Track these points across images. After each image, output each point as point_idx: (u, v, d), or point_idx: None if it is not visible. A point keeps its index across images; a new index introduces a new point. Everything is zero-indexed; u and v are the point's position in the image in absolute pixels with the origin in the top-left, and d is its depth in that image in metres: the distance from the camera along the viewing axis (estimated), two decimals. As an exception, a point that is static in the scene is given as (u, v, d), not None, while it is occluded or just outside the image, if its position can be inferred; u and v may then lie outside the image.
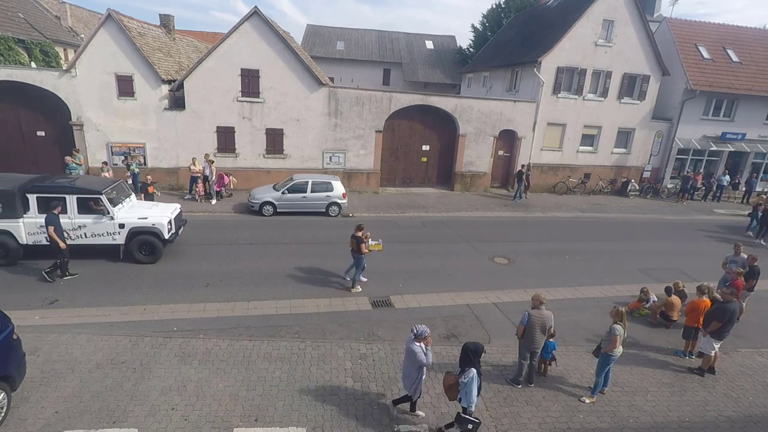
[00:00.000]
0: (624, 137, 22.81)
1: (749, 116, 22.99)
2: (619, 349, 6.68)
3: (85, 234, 10.57)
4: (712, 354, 7.71)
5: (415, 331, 5.85)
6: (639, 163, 23.25)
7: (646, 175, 23.30)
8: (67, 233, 10.24)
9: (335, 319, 9.00)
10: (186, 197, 17.09)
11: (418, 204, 18.70)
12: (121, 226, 10.81)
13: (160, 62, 18.14)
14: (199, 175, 16.82)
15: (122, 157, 17.61)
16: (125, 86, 17.05)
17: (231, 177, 17.95)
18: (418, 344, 5.83)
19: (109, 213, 10.63)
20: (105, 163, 17.04)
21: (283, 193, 15.68)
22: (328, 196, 15.99)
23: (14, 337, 6.05)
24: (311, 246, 13.00)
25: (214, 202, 16.87)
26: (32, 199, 10.22)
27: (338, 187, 16.14)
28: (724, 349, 7.99)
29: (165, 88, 17.47)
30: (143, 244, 10.98)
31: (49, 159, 16.97)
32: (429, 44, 37.22)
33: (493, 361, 7.77)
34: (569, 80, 21.17)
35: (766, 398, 7.33)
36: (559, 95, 21.12)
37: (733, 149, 23.20)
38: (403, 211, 17.37)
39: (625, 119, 22.26)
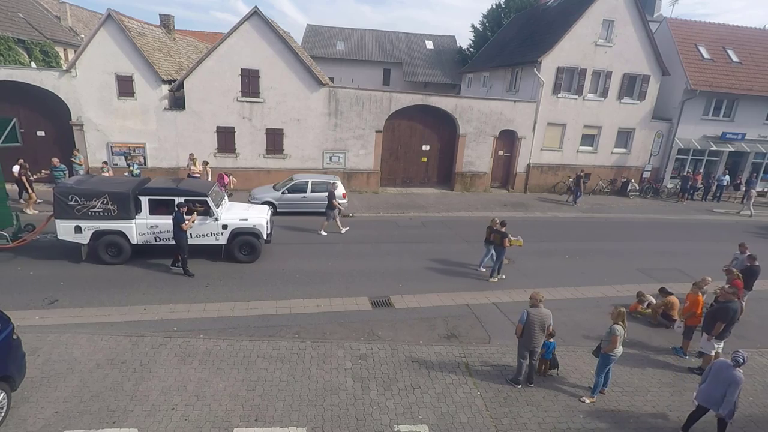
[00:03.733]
0: (624, 137, 22.81)
1: (749, 116, 22.99)
2: (619, 349, 6.68)
3: (190, 234, 10.74)
4: (713, 354, 7.70)
5: (741, 359, 5.72)
6: (639, 163, 23.25)
7: (646, 175, 23.30)
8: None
9: (335, 319, 8.99)
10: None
11: (418, 204, 18.70)
12: (224, 227, 11.17)
13: (160, 62, 18.14)
14: (199, 175, 16.81)
15: (122, 157, 17.63)
16: (125, 86, 17.07)
17: (231, 177, 17.95)
18: (740, 371, 5.72)
19: (213, 215, 10.97)
20: (105, 162, 17.06)
21: (283, 193, 15.68)
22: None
23: (14, 337, 6.05)
24: (311, 246, 13.00)
25: None
26: (144, 201, 10.64)
27: (338, 187, 16.12)
28: (724, 350, 7.97)
29: (165, 88, 17.47)
30: (243, 245, 11.31)
31: (49, 159, 16.96)
32: (429, 44, 37.22)
33: (493, 361, 7.77)
34: (569, 80, 21.17)
35: (766, 398, 7.33)
36: (559, 95, 21.12)
37: (733, 149, 23.20)
38: (403, 211, 17.37)
39: (625, 119, 22.26)
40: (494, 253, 11.37)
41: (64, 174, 15.58)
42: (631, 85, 21.81)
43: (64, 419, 5.82)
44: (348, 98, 19.06)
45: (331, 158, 19.62)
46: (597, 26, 20.52)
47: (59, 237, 10.60)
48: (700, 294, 8.17)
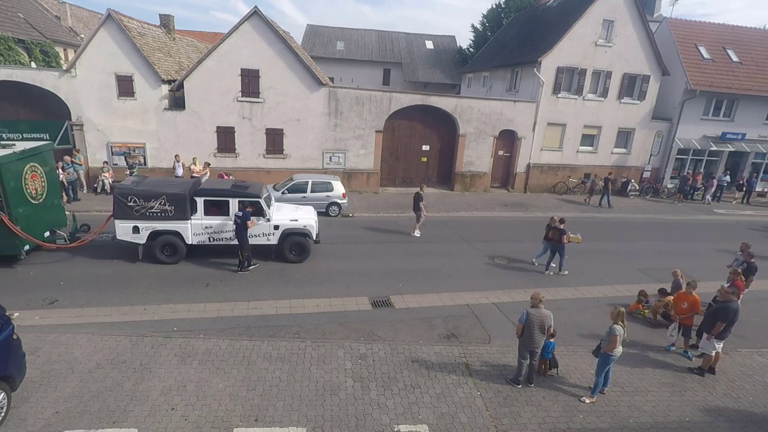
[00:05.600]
0: (624, 137, 22.81)
1: (749, 116, 23.00)
2: (618, 349, 6.68)
3: None
4: (713, 354, 7.71)
5: None
6: (639, 163, 23.25)
7: (646, 175, 23.31)
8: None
9: (335, 319, 8.99)
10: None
11: (418, 204, 18.67)
12: (276, 227, 11.37)
13: (160, 62, 18.14)
14: (199, 175, 16.79)
15: (122, 157, 17.62)
16: (125, 86, 17.06)
17: (231, 177, 17.94)
18: None
19: (266, 215, 11.17)
20: (105, 162, 17.09)
21: (283, 193, 15.66)
22: (328, 196, 16.00)
23: (14, 337, 6.05)
24: (311, 246, 12.97)
25: None
26: (200, 202, 10.84)
27: (338, 187, 16.14)
28: (724, 350, 7.98)
29: (165, 88, 17.47)
30: (294, 245, 11.50)
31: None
32: (429, 44, 37.22)
33: (493, 361, 7.78)
34: (569, 80, 21.17)
35: (766, 398, 7.33)
36: (559, 95, 21.12)
37: (733, 149, 23.21)
38: (403, 211, 17.35)
39: (625, 119, 22.26)
40: (552, 249, 11.89)
41: (75, 171, 15.68)
42: (631, 85, 21.81)
43: (64, 419, 5.82)
44: (348, 98, 19.05)
45: (331, 158, 19.62)
46: (597, 26, 20.52)
47: (118, 237, 10.80)
48: (695, 293, 8.19)
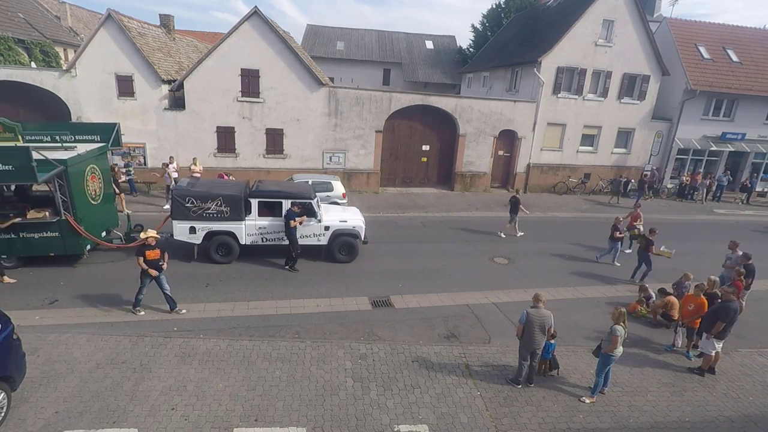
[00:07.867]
0: (624, 137, 22.81)
1: (749, 116, 23.00)
2: (619, 350, 6.68)
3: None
4: (713, 354, 7.71)
5: None
6: (639, 163, 23.25)
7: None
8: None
9: (335, 319, 9.00)
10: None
11: (418, 204, 18.70)
12: (326, 228, 11.59)
13: (160, 62, 18.14)
14: (199, 175, 16.72)
15: (121, 158, 17.60)
16: (125, 86, 17.06)
17: (231, 177, 17.92)
18: None
19: (317, 216, 11.38)
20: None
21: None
22: (328, 196, 15.94)
23: (14, 337, 6.05)
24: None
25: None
26: (254, 203, 11.06)
27: (338, 187, 16.12)
28: (724, 350, 7.98)
29: (165, 88, 17.47)
30: (343, 246, 11.70)
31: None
32: (429, 44, 37.22)
33: (493, 361, 7.78)
34: (569, 80, 21.17)
35: (766, 398, 7.33)
36: (559, 95, 21.12)
37: (733, 149, 23.21)
38: (403, 211, 17.37)
39: (625, 119, 22.27)
40: (638, 256, 11.94)
41: None
42: (631, 85, 21.81)
43: (64, 419, 5.82)
44: (348, 98, 19.05)
45: (331, 158, 19.62)
46: (597, 26, 20.52)
47: (175, 237, 10.95)
48: (702, 296, 8.18)
